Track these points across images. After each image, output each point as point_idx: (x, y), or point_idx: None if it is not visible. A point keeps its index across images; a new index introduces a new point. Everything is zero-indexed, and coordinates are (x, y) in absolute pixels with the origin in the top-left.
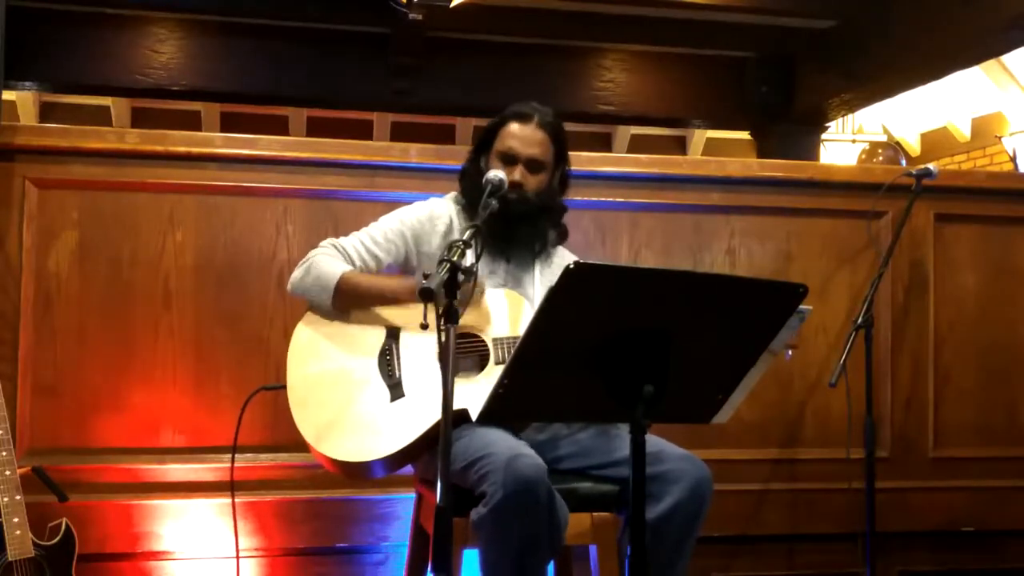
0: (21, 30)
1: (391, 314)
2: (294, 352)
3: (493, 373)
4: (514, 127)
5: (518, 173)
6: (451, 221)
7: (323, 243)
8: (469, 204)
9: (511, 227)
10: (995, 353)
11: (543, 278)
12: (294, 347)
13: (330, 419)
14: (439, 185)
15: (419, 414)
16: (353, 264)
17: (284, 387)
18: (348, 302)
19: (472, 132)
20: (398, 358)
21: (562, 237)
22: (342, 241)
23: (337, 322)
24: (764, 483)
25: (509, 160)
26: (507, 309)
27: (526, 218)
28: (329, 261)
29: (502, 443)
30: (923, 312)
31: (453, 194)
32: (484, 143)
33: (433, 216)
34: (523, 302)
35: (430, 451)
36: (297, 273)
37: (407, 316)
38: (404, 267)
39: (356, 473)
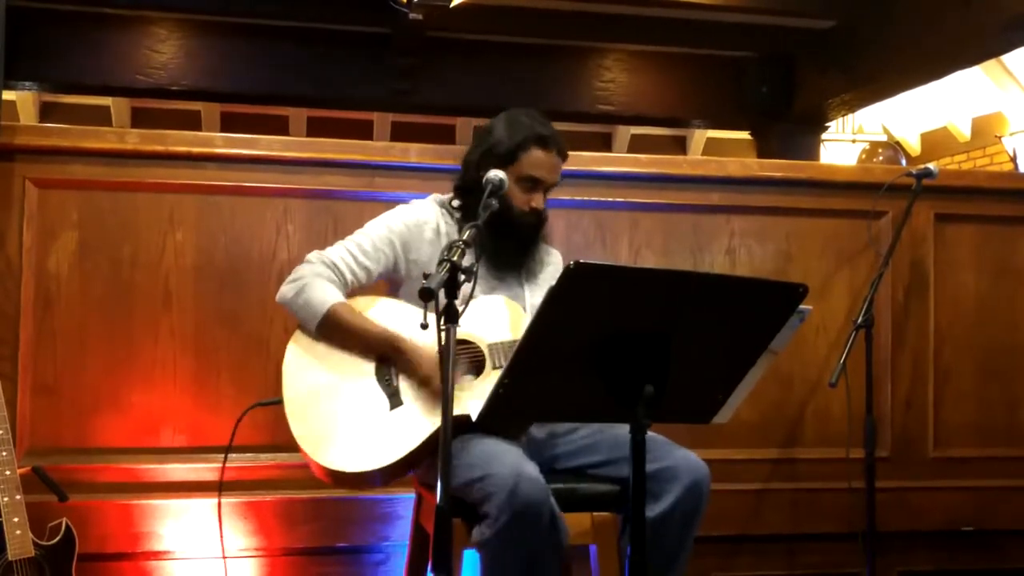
0: (21, 30)
1: (386, 323)
2: (289, 365)
3: (490, 378)
4: (541, 155)
5: (541, 199)
6: (438, 226)
7: (311, 257)
8: (469, 214)
9: (521, 247)
10: (995, 353)
11: (530, 280)
12: (289, 359)
13: (329, 430)
14: (439, 185)
15: (419, 421)
16: (345, 280)
17: (279, 402)
18: (331, 334)
19: (472, 132)
20: (395, 367)
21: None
22: (331, 254)
23: None
24: (764, 483)
25: (534, 186)
26: (502, 315)
27: (536, 238)
28: (321, 287)
29: (504, 459)
30: (923, 312)
31: (435, 196)
32: (498, 159)
33: (420, 222)
34: (517, 307)
35: (430, 457)
36: (287, 290)
37: (403, 325)
38: (391, 275)
39: (356, 483)
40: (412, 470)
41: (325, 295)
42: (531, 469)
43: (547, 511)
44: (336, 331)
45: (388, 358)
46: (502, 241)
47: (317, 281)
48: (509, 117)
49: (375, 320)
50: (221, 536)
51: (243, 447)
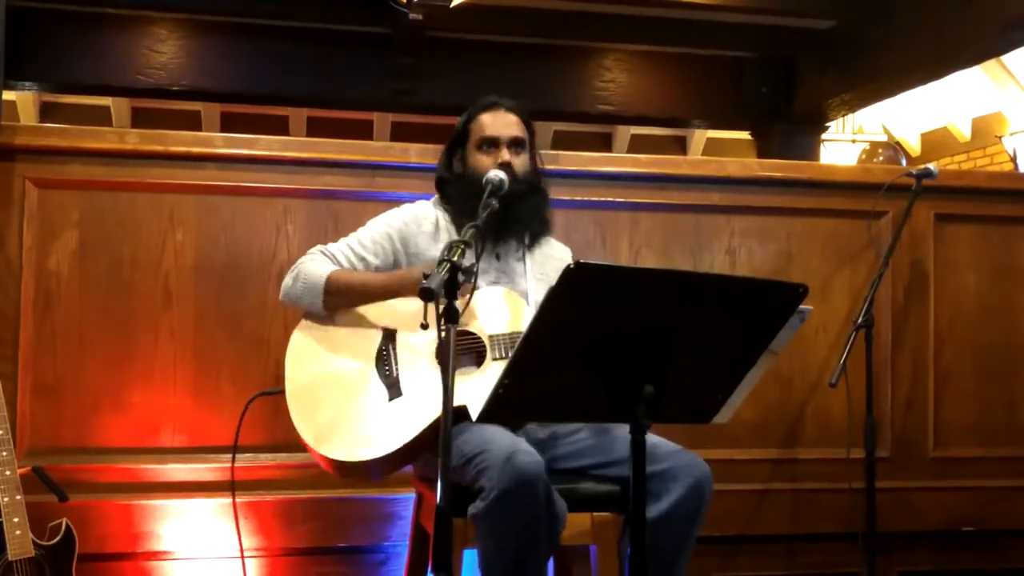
0: (21, 30)
1: (386, 315)
2: (291, 355)
3: (490, 369)
4: (486, 117)
5: (505, 153)
6: (437, 222)
7: (311, 251)
8: (457, 207)
9: (509, 210)
10: (995, 353)
11: (533, 271)
12: (291, 351)
13: (329, 420)
14: None
15: (417, 412)
16: (342, 267)
17: (281, 392)
18: (338, 300)
19: None
20: (395, 358)
21: (547, 228)
22: (330, 247)
23: (333, 325)
24: (764, 483)
25: (491, 145)
26: (503, 306)
27: (522, 198)
28: (316, 264)
29: (500, 439)
30: (923, 312)
31: (436, 197)
32: (456, 143)
33: (418, 217)
34: (519, 299)
35: (429, 449)
36: (287, 281)
37: (403, 317)
38: (392, 270)
39: (355, 473)
40: (411, 462)
41: (321, 268)
42: (525, 445)
43: (542, 484)
44: (341, 294)
45: (393, 335)
46: (490, 219)
47: (311, 263)
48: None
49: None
50: (239, 534)
51: (243, 447)
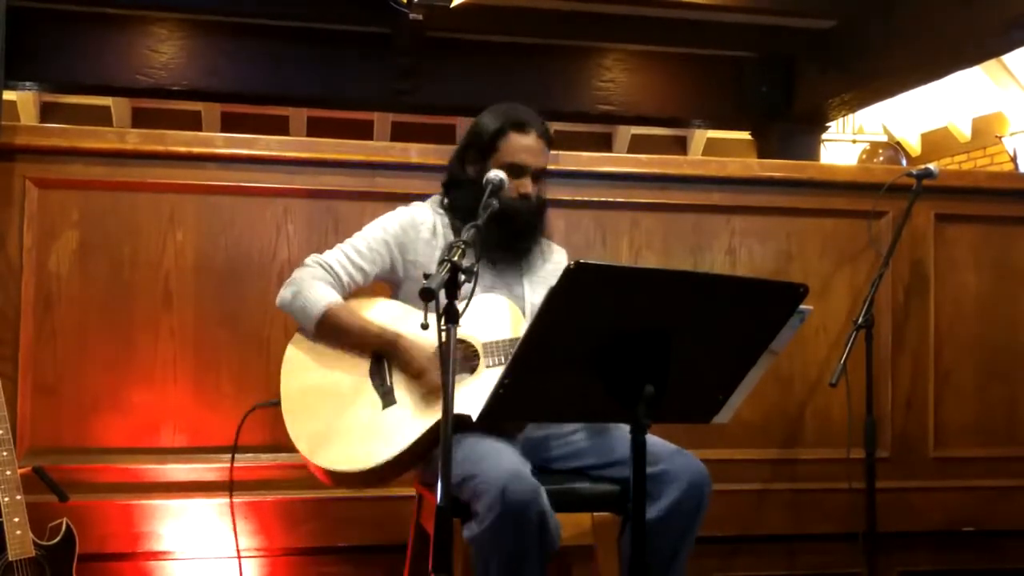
0: (21, 30)
1: (385, 323)
2: (287, 366)
3: (484, 375)
4: (520, 139)
5: (528, 184)
6: (435, 227)
7: (308, 260)
8: (465, 211)
9: (516, 236)
10: (995, 353)
11: (529, 277)
12: (287, 361)
13: (323, 429)
14: (439, 185)
15: (411, 420)
16: (341, 281)
17: (278, 403)
18: (327, 335)
19: None
20: (389, 367)
21: (543, 235)
22: (327, 257)
23: None
24: (764, 483)
25: (518, 172)
26: (495, 313)
27: (532, 226)
28: (318, 289)
29: (495, 459)
30: (923, 312)
31: (435, 198)
32: (478, 151)
33: (415, 222)
34: (511, 305)
35: (425, 458)
36: (285, 293)
37: (397, 325)
38: (390, 276)
39: (352, 483)
40: (408, 469)
41: (321, 296)
42: (522, 469)
43: (535, 511)
44: (333, 331)
45: (384, 356)
46: (497, 232)
47: (313, 283)
48: (490, 109)
49: (373, 319)
50: (235, 535)
51: (244, 447)
